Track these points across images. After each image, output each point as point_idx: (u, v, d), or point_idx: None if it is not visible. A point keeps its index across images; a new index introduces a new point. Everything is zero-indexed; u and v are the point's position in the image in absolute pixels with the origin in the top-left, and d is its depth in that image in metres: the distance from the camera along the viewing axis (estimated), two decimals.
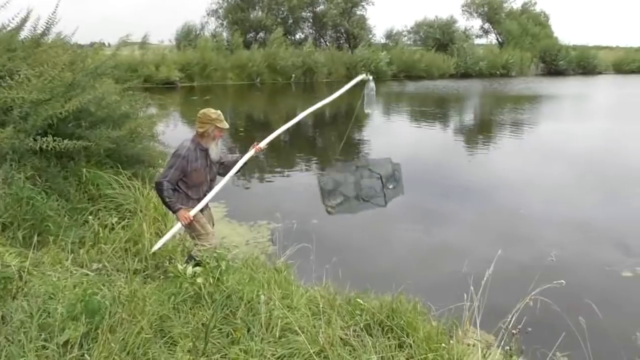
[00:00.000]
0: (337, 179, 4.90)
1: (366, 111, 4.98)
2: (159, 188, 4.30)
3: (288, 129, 5.03)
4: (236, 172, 4.64)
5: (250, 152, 4.60)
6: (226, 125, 4.46)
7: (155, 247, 4.49)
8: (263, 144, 4.66)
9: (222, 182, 4.56)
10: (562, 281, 3.33)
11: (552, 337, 3.65)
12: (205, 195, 4.52)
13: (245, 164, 4.64)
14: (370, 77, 5.00)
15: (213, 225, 4.86)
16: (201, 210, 4.49)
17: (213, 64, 31.12)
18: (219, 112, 4.43)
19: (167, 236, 4.51)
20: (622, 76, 45.82)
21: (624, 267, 5.94)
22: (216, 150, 4.54)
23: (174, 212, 4.33)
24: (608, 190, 9.50)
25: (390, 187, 5.02)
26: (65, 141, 5.41)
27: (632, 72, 47.92)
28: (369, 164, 5.10)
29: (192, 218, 4.30)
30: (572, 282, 3.60)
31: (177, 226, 4.41)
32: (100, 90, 6.63)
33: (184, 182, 4.43)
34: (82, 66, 7.16)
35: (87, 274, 3.99)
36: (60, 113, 5.59)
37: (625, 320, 4.66)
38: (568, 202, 8.69)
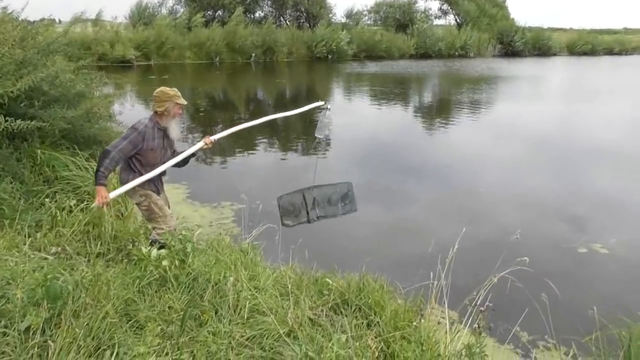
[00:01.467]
0: (294, 200, 4.90)
1: (317, 135, 4.99)
2: (103, 155, 4.06)
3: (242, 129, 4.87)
4: (180, 162, 4.46)
5: (200, 144, 4.46)
6: (184, 101, 4.36)
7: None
8: (215, 137, 4.52)
9: (161, 167, 4.32)
10: (526, 258, 3.42)
11: (515, 313, 3.78)
12: (158, 178, 4.46)
13: (192, 154, 4.54)
14: (328, 106, 5.07)
15: (169, 207, 4.79)
16: (157, 193, 4.42)
17: (170, 42, 30.33)
18: (175, 89, 4.32)
19: (117, 192, 4.25)
20: (575, 57, 47.33)
21: (579, 244, 6.18)
22: (177, 129, 4.44)
23: (96, 184, 4.05)
24: (562, 168, 9.82)
25: (345, 204, 5.12)
26: (18, 121, 5.17)
27: (584, 53, 49.68)
28: (324, 186, 5.21)
29: (109, 200, 4.06)
30: (532, 259, 3.70)
31: (127, 186, 4.19)
32: (53, 68, 6.36)
33: (139, 161, 4.27)
34: (33, 43, 6.84)
35: (46, 258, 3.86)
36: (12, 92, 5.33)
37: (583, 295, 4.87)
38: (524, 180, 8.95)
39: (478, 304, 3.23)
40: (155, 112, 4.29)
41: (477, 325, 2.66)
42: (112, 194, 4.11)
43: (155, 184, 4.44)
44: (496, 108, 17.90)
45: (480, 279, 3.61)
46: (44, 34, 7.86)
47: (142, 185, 4.27)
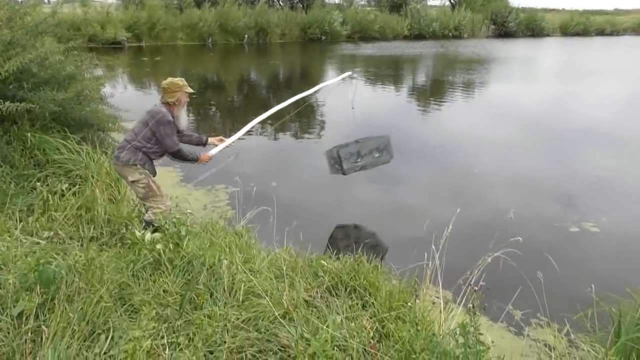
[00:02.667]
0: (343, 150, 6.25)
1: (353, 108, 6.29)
2: (178, 155, 4.55)
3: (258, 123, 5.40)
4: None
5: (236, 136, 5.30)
6: (192, 89, 4.65)
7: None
8: (212, 152, 5.03)
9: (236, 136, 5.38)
10: (519, 238, 3.43)
11: (508, 292, 3.80)
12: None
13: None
14: (355, 75, 6.33)
15: None
16: (154, 175, 4.57)
17: (162, 24, 29.94)
18: (182, 79, 4.57)
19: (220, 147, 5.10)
20: (568, 38, 47.23)
21: (571, 223, 6.21)
22: (185, 118, 4.71)
23: (196, 160, 4.73)
24: (554, 148, 9.84)
25: (379, 155, 6.44)
26: (7, 103, 5.10)
27: (577, 34, 49.67)
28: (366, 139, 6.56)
29: (210, 157, 4.86)
30: (525, 238, 3.72)
31: (230, 140, 5.24)
32: (42, 50, 6.25)
33: (158, 146, 4.46)
34: (21, 23, 6.70)
35: (38, 243, 3.84)
36: (0, 73, 5.25)
37: (575, 273, 4.90)
38: (517, 160, 8.96)
39: (472, 283, 3.24)
40: (167, 103, 4.47)
41: (471, 305, 2.67)
42: (212, 152, 4.95)
43: (154, 167, 4.59)
44: (489, 89, 17.85)
45: (473, 259, 3.61)
46: (32, 14, 7.70)
47: (142, 164, 4.40)
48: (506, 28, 46.47)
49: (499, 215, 6.32)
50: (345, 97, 6.49)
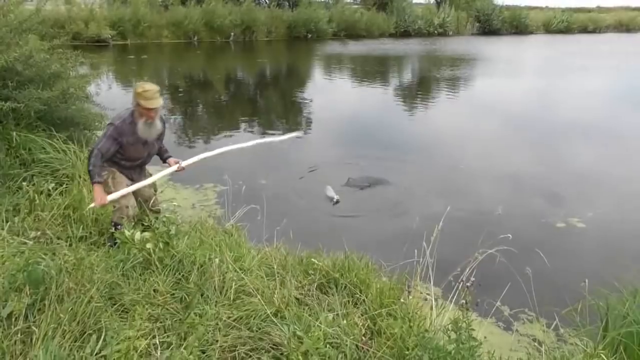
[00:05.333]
0: None
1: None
2: (89, 154, 4.09)
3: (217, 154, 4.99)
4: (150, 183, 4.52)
5: (172, 169, 4.49)
6: (153, 104, 4.01)
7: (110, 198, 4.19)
8: (186, 163, 4.53)
9: (136, 185, 4.32)
10: (509, 235, 3.46)
11: (497, 288, 3.84)
12: (136, 167, 4.46)
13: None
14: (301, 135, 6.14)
15: (155, 191, 4.82)
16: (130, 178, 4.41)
17: (147, 21, 29.63)
18: (150, 87, 4.03)
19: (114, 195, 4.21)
20: (551, 35, 47.73)
21: (557, 219, 6.28)
22: (148, 130, 4.18)
23: (92, 183, 4.05)
24: (540, 144, 9.96)
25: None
26: None
27: (560, 31, 50.22)
28: None
29: (106, 202, 4.06)
30: (513, 234, 3.75)
31: (127, 190, 4.23)
32: (27, 48, 6.16)
33: (121, 154, 4.26)
34: (4, 21, 6.60)
35: (26, 243, 3.79)
36: None
37: (562, 269, 4.95)
38: (504, 156, 9.05)
39: (463, 280, 3.26)
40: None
41: (464, 301, 2.69)
42: (110, 197, 4.08)
43: (131, 176, 4.42)
44: (475, 85, 18.00)
45: (463, 256, 3.64)
46: (15, 11, 7.60)
47: (114, 167, 4.27)
48: (490, 26, 46.84)
49: (487, 212, 6.38)
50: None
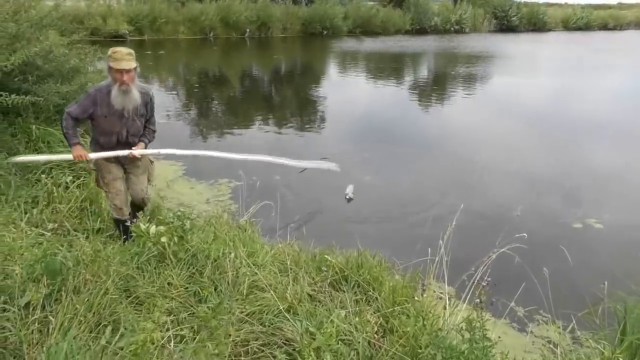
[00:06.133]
0: None
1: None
2: (61, 118, 3.96)
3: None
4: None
5: (125, 152, 4.10)
6: (122, 65, 3.78)
7: (17, 159, 4.15)
8: (140, 152, 4.14)
9: (113, 153, 4.07)
10: (524, 234, 3.43)
11: (511, 288, 3.81)
12: (116, 147, 4.11)
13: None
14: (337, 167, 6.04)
15: (149, 181, 4.56)
16: (120, 164, 4.20)
17: (164, 17, 29.81)
18: (121, 49, 3.83)
19: (42, 157, 4.31)
20: (570, 33, 47.12)
21: (574, 219, 6.21)
22: (122, 98, 3.89)
23: (70, 145, 3.95)
24: (558, 143, 9.84)
25: None
26: (12, 96, 5.10)
27: (579, 28, 49.57)
28: None
29: (87, 158, 3.91)
30: (529, 233, 3.74)
31: (63, 156, 4.17)
32: (47, 43, 6.25)
33: (95, 127, 4.05)
34: (26, 17, 6.70)
35: (43, 234, 3.85)
36: (5, 66, 5.26)
37: (579, 270, 4.89)
38: (520, 155, 8.95)
39: (478, 279, 3.24)
40: None
41: (479, 300, 2.67)
42: (92, 155, 3.99)
43: (114, 160, 4.19)
44: (492, 83, 17.84)
45: (477, 255, 3.62)
46: (36, 7, 7.70)
47: (95, 149, 4.12)
48: (508, 23, 46.32)
49: (503, 211, 6.33)
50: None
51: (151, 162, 4.55)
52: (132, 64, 3.85)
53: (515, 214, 6.02)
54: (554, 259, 3.88)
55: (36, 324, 2.49)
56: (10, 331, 2.39)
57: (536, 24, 47.78)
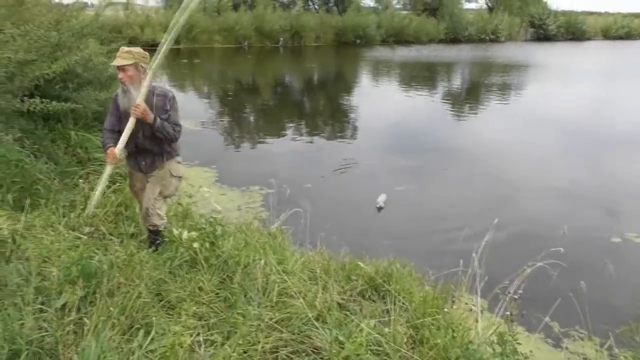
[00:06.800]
0: None
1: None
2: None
3: None
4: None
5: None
6: (116, 61, 3.68)
7: (90, 210, 4.03)
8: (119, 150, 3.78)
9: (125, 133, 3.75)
10: (560, 249, 3.35)
11: (546, 302, 3.71)
12: (136, 152, 3.93)
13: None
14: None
15: (164, 196, 4.08)
16: (140, 171, 3.99)
17: (200, 26, 30.40)
18: (123, 47, 3.76)
19: (99, 189, 3.97)
20: (610, 42, 45.96)
21: (613, 233, 6.03)
22: (124, 98, 3.76)
23: (105, 150, 3.80)
24: (595, 156, 9.59)
25: None
26: (53, 103, 5.27)
27: (619, 38, 48.30)
28: None
29: (116, 155, 3.70)
30: (565, 248, 3.63)
31: (106, 172, 3.90)
32: (87, 51, 6.46)
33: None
34: (67, 26, 6.93)
35: (80, 238, 3.94)
36: (47, 74, 5.44)
37: (617, 286, 4.74)
38: (556, 167, 8.75)
39: (510, 292, 3.17)
40: None
41: (509, 313, 2.62)
42: (117, 149, 3.75)
43: (136, 161, 4.00)
44: (528, 93, 17.52)
45: (511, 268, 3.55)
46: (77, 17, 7.96)
47: (127, 160, 4.02)
48: (545, 31, 45.47)
49: (538, 224, 6.19)
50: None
51: (172, 175, 4.04)
52: (125, 62, 3.66)
53: (552, 228, 5.86)
54: (592, 274, 3.77)
55: (71, 325, 2.54)
56: (47, 331, 2.45)
57: (574, 33, 46.80)
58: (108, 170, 3.92)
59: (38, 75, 5.38)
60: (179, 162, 4.09)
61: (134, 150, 3.96)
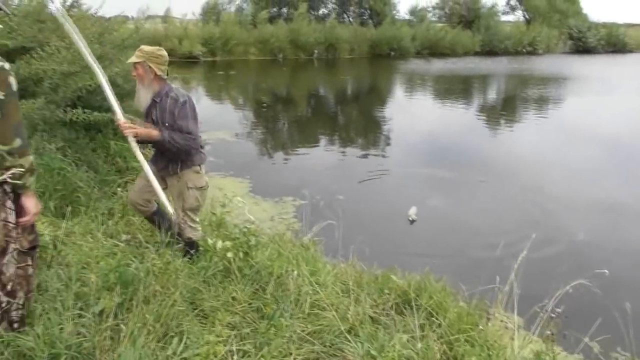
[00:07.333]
0: None
1: None
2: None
3: None
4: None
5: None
6: (130, 59, 3.69)
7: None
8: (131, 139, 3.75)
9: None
10: (604, 270, 3.23)
11: (587, 322, 3.59)
12: (156, 155, 3.92)
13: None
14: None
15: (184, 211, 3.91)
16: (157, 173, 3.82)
17: (235, 39, 30.94)
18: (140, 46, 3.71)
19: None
20: None
21: None
22: (136, 95, 3.80)
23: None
24: (636, 170, 9.29)
25: None
26: (95, 113, 5.44)
27: None
28: None
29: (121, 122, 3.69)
30: (606, 266, 3.52)
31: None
32: (127, 63, 6.63)
33: None
34: (109, 38, 7.16)
35: (118, 245, 4.03)
36: (89, 85, 5.61)
37: None
38: (597, 182, 8.51)
39: (549, 310, 3.09)
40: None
41: (549, 332, 2.54)
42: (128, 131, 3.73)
43: (153, 162, 3.93)
44: (565, 107, 17.14)
45: (550, 285, 3.45)
46: (118, 30, 8.21)
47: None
48: (585, 44, 44.43)
49: (578, 241, 6.00)
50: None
51: (189, 187, 3.83)
52: (135, 59, 3.62)
53: (593, 245, 5.69)
54: (636, 293, 3.63)
55: (108, 331, 2.59)
56: (85, 337, 2.51)
57: (616, 45, 45.60)
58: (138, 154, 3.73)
59: (81, 87, 5.56)
60: (198, 172, 3.85)
61: (155, 155, 3.95)
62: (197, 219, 4.05)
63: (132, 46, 7.97)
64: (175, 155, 3.75)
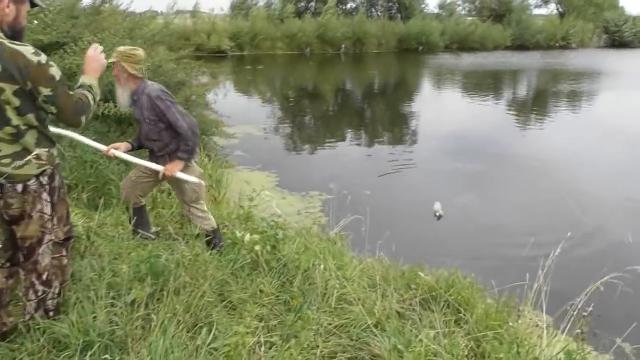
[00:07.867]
0: None
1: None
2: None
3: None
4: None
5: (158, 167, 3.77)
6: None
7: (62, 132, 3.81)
8: (118, 153, 3.83)
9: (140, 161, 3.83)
10: (638, 268, 3.15)
11: (619, 322, 3.52)
12: (153, 154, 3.94)
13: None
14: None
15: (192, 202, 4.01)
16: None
17: (263, 34, 31.06)
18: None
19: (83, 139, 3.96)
20: None
21: None
22: (117, 95, 3.80)
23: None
24: None
25: None
26: None
27: None
28: None
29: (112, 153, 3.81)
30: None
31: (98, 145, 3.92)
32: (157, 58, 6.75)
33: None
34: (140, 34, 7.28)
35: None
36: None
37: None
38: (628, 180, 8.29)
39: (579, 308, 3.03)
40: None
41: (580, 331, 2.50)
42: (117, 152, 3.83)
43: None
44: (599, 102, 16.72)
45: (581, 284, 3.38)
46: (148, 25, 8.34)
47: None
48: (621, 38, 43.15)
49: (611, 240, 5.89)
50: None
51: (182, 181, 3.88)
52: (113, 59, 3.59)
53: (626, 243, 5.55)
54: None
55: (139, 321, 2.65)
56: (118, 325, 2.57)
57: None
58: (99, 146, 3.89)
59: (112, 81, 5.66)
60: (189, 166, 3.86)
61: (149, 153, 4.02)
62: (204, 208, 4.08)
63: (162, 42, 8.12)
64: (160, 148, 3.88)
